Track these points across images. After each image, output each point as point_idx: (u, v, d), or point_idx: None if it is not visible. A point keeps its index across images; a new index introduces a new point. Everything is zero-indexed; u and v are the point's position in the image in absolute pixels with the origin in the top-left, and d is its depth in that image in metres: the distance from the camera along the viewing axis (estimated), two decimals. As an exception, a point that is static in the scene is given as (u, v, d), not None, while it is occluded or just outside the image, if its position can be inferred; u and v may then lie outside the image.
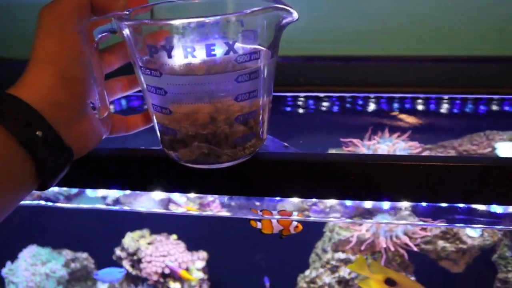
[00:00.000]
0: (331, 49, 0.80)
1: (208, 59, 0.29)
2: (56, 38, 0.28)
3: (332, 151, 0.70)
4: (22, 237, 0.82)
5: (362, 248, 0.68)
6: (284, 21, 0.31)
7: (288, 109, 0.71)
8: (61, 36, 0.28)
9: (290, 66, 0.71)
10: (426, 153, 0.64)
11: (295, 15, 0.31)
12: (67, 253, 0.81)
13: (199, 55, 0.28)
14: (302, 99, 0.70)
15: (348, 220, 0.63)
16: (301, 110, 0.74)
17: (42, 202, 0.69)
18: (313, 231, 0.66)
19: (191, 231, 0.72)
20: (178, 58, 0.29)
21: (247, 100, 0.31)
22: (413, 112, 0.70)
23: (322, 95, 0.60)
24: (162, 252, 0.70)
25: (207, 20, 0.27)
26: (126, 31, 0.30)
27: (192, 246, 0.76)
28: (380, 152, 0.65)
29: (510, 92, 0.61)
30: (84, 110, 0.30)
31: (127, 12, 0.31)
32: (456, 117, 0.68)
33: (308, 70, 0.67)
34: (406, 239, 0.61)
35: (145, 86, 0.31)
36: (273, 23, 0.30)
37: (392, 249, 0.67)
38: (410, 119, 0.70)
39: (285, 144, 0.39)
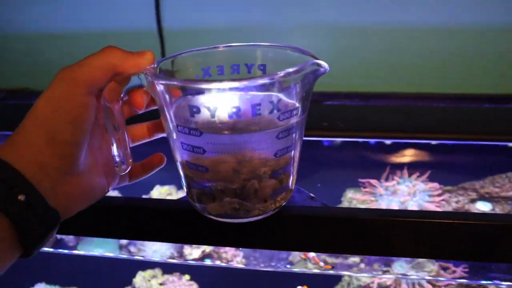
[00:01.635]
0: (348, 85, 0.82)
1: (252, 118, 0.29)
2: (55, 101, 0.28)
3: (350, 191, 0.71)
4: (31, 275, 0.82)
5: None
6: (318, 73, 0.31)
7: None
8: (62, 100, 0.28)
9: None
10: (446, 196, 0.63)
11: (327, 66, 0.31)
12: (76, 291, 0.80)
13: (244, 115, 0.29)
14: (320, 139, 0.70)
15: (365, 275, 0.62)
16: (318, 149, 0.74)
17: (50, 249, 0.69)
18: (331, 275, 0.65)
19: (204, 271, 0.72)
20: (222, 117, 0.29)
21: (284, 155, 0.32)
22: (432, 150, 0.70)
23: (343, 139, 0.60)
24: (175, 294, 0.69)
25: (254, 82, 0.28)
26: (161, 88, 0.30)
27: (206, 286, 0.75)
28: (399, 194, 0.65)
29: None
30: (74, 171, 0.29)
31: (154, 66, 0.32)
32: (477, 157, 0.68)
33: (328, 110, 0.68)
34: (429, 287, 0.60)
35: (179, 144, 0.32)
36: (309, 77, 0.31)
37: (415, 296, 0.66)
38: (430, 158, 0.71)
39: (311, 195, 0.39)
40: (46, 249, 0.75)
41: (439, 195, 0.64)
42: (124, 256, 0.70)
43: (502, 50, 0.75)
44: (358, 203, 0.67)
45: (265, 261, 0.67)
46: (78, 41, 0.94)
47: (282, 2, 0.81)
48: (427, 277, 0.61)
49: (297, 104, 0.31)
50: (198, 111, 0.29)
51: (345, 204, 0.69)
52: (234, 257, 0.70)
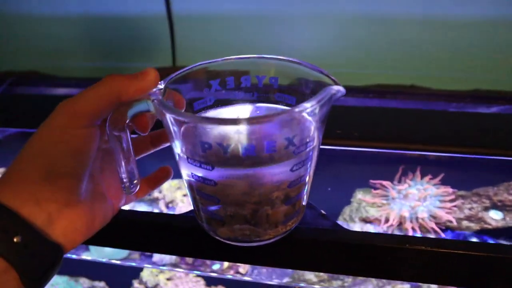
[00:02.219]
0: (360, 77, 0.80)
1: (266, 153, 0.28)
2: (55, 133, 0.28)
3: (359, 192, 0.70)
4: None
5: None
6: (335, 98, 0.30)
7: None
8: (62, 133, 0.28)
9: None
10: (459, 201, 0.62)
11: (343, 90, 0.30)
12: (84, 282, 0.82)
13: (258, 152, 0.28)
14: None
15: None
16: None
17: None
18: None
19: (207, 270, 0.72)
20: (235, 153, 0.28)
21: (298, 184, 0.31)
22: (446, 155, 0.69)
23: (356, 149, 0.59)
24: (182, 290, 0.70)
25: (270, 119, 0.26)
26: (168, 118, 0.29)
27: (211, 282, 0.76)
28: (410, 198, 0.64)
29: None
30: (74, 203, 0.28)
31: (161, 87, 0.31)
32: (493, 161, 0.67)
33: (343, 115, 0.66)
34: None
35: (190, 174, 0.31)
36: (327, 105, 0.29)
37: None
38: (444, 160, 0.69)
39: (322, 211, 0.39)
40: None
41: (451, 200, 0.63)
42: (132, 264, 0.71)
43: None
44: (368, 205, 0.66)
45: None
46: (88, 24, 0.92)
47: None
48: None
49: (313, 135, 0.30)
50: (210, 147, 0.28)
51: (354, 205, 0.69)
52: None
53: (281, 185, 0.30)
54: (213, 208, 0.32)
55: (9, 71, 0.96)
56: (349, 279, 0.67)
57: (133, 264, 0.71)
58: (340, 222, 0.68)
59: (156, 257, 0.71)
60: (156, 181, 0.37)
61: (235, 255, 0.37)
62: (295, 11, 0.80)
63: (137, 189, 0.33)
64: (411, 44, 0.76)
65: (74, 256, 0.72)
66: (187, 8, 0.86)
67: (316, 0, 0.78)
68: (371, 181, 0.67)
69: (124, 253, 0.74)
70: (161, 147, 0.37)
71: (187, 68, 0.34)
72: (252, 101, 0.35)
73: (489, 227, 0.60)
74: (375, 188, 0.67)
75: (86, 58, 0.98)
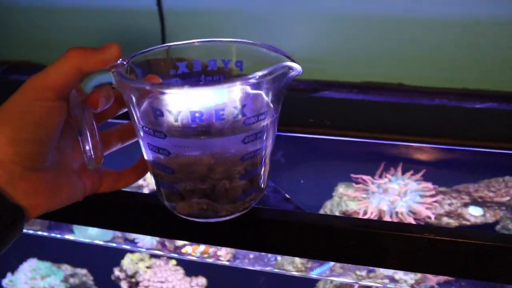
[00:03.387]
0: (347, 74, 0.80)
1: (216, 122, 0.29)
2: (23, 105, 0.29)
3: (341, 186, 0.70)
4: (23, 250, 0.85)
5: None
6: (289, 77, 0.31)
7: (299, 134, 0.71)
8: (30, 105, 0.29)
9: (302, 97, 0.71)
10: (439, 197, 0.63)
11: (300, 68, 0.31)
12: (67, 268, 0.83)
13: (208, 119, 0.29)
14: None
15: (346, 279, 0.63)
16: (312, 140, 0.74)
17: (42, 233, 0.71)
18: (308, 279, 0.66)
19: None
20: (185, 121, 0.29)
21: (252, 158, 0.32)
22: (429, 150, 0.69)
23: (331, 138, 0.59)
24: (160, 278, 0.71)
25: (217, 87, 0.28)
26: (126, 87, 0.30)
27: (191, 272, 0.76)
28: (390, 192, 0.64)
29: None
30: (37, 168, 0.30)
31: (124, 63, 0.31)
32: (475, 158, 0.67)
33: (320, 104, 0.67)
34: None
35: (146, 144, 0.32)
36: (279, 80, 0.31)
37: None
38: (426, 157, 0.70)
39: (287, 196, 0.39)
40: (39, 232, 0.77)
41: (431, 196, 0.63)
42: (113, 244, 0.72)
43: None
44: (349, 199, 0.67)
45: (249, 255, 0.68)
46: (78, 16, 0.93)
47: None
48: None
49: (265, 108, 0.31)
50: (162, 114, 0.29)
51: (335, 199, 0.69)
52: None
53: (234, 158, 0.30)
54: (169, 180, 0.33)
55: (3, 60, 0.97)
56: (327, 271, 0.67)
57: (114, 245, 0.72)
58: (320, 215, 0.69)
59: (140, 242, 0.72)
60: (142, 168, 0.37)
61: (195, 234, 0.37)
62: (284, 8, 0.81)
63: (96, 166, 0.34)
64: (400, 43, 0.77)
65: (58, 236, 0.73)
66: (178, 2, 0.87)
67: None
68: (352, 175, 0.68)
69: (107, 236, 0.75)
70: (130, 142, 0.38)
71: (155, 47, 0.35)
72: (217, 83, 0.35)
73: (468, 223, 0.60)
74: (357, 183, 0.68)
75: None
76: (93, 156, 0.34)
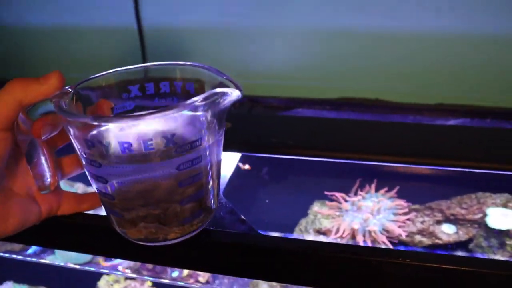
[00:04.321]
0: (324, 90, 0.81)
1: (146, 152, 0.29)
2: None
3: (317, 204, 0.70)
4: (0, 273, 0.84)
5: None
6: (227, 101, 0.31)
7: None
8: None
9: (273, 116, 0.72)
10: (412, 214, 0.63)
11: (239, 94, 0.31)
12: (43, 291, 0.82)
13: (137, 149, 0.29)
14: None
15: None
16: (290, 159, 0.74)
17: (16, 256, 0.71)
18: None
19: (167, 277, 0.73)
20: (116, 151, 0.29)
21: (191, 184, 0.32)
22: (404, 168, 0.69)
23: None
24: (135, 300, 0.70)
25: (142, 119, 0.28)
26: (63, 120, 0.30)
27: (168, 294, 0.76)
28: (363, 209, 0.64)
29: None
30: None
31: (70, 90, 0.32)
32: (448, 174, 0.67)
33: (291, 122, 0.67)
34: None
35: (87, 172, 0.32)
36: (216, 105, 0.31)
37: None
38: (401, 173, 0.70)
39: (242, 217, 0.40)
40: (14, 256, 0.77)
41: (404, 213, 0.63)
42: (87, 268, 0.72)
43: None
44: (323, 217, 0.67)
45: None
46: (58, 36, 0.95)
47: (265, 3, 0.81)
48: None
49: (201, 134, 0.31)
50: (93, 144, 0.30)
51: (310, 217, 0.69)
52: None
53: (171, 184, 0.31)
54: (114, 207, 0.33)
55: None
56: (301, 292, 0.67)
57: (92, 269, 0.71)
58: (296, 233, 0.69)
59: (117, 262, 0.72)
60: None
61: (149, 255, 0.37)
62: (264, 25, 0.82)
63: (53, 188, 0.34)
64: (376, 58, 0.78)
65: (34, 260, 0.72)
66: (158, 21, 0.88)
67: (285, 15, 0.80)
68: (326, 192, 0.68)
69: (87, 256, 0.75)
70: None
71: (103, 73, 0.35)
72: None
73: (440, 242, 0.60)
74: (331, 200, 0.68)
75: (60, 69, 1.01)
76: (45, 182, 0.34)
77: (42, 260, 0.74)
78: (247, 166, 0.63)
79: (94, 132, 0.29)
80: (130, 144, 0.28)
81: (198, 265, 0.37)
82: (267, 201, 0.69)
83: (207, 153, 0.32)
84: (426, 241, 0.61)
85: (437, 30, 0.73)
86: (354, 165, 0.72)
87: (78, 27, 0.94)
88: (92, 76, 0.35)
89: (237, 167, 0.60)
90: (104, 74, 0.35)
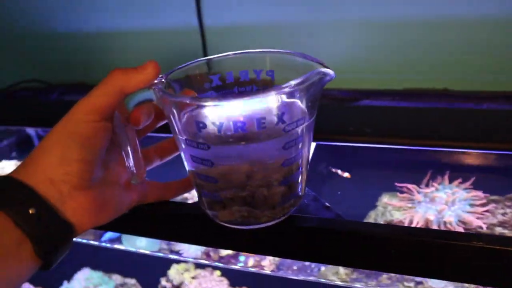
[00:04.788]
0: (388, 81, 0.80)
1: (257, 131, 0.30)
2: (71, 127, 0.32)
3: (386, 195, 0.69)
4: (78, 259, 0.90)
5: None
6: (323, 82, 0.32)
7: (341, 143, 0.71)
8: (77, 126, 0.31)
9: (342, 107, 0.71)
10: (491, 206, 0.60)
11: (333, 73, 0.32)
12: (117, 278, 0.87)
13: (250, 129, 0.30)
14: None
15: None
16: (354, 149, 0.73)
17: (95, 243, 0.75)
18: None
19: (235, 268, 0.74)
20: (228, 131, 0.31)
21: (292, 163, 0.33)
22: (478, 156, 0.66)
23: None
24: (205, 289, 0.73)
25: (255, 98, 0.29)
26: (168, 103, 0.32)
27: (235, 282, 0.78)
28: (437, 201, 0.62)
29: None
30: (85, 186, 0.32)
31: (163, 80, 0.33)
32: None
33: (360, 112, 0.66)
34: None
35: (189, 156, 0.34)
36: (314, 86, 0.32)
37: None
38: (475, 164, 0.67)
39: (327, 204, 0.40)
40: (92, 242, 0.82)
41: (482, 205, 0.61)
42: (160, 254, 0.75)
43: None
44: (394, 209, 0.66)
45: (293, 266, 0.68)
46: (125, 39, 1.00)
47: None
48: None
49: (302, 114, 0.32)
50: (205, 126, 0.31)
51: (379, 209, 0.68)
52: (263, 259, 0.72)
53: (275, 163, 0.32)
54: (211, 189, 0.34)
55: (60, 83, 1.05)
56: (372, 282, 0.66)
57: (160, 254, 0.74)
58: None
59: (185, 252, 0.74)
60: (190, 181, 0.39)
61: (237, 242, 0.39)
62: (320, 19, 0.82)
63: (140, 180, 0.36)
64: (440, 47, 0.75)
65: (109, 245, 0.76)
66: (219, 21, 0.91)
67: (342, 8, 0.79)
68: (397, 184, 0.67)
69: (154, 247, 0.78)
70: (168, 158, 0.40)
71: (189, 62, 0.37)
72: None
73: (524, 234, 0.57)
74: (402, 192, 0.66)
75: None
76: (135, 172, 0.36)
77: (116, 246, 0.77)
78: (346, 174, 0.63)
79: (205, 114, 0.31)
80: (244, 123, 0.29)
81: (287, 252, 0.38)
82: (339, 192, 0.69)
83: (305, 134, 0.32)
84: (509, 233, 0.58)
85: (503, 16, 0.69)
86: (423, 156, 0.70)
87: (142, 29, 0.98)
88: (179, 66, 0.36)
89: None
90: (189, 64, 0.37)
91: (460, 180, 0.65)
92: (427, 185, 0.66)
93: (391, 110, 0.69)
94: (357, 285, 0.66)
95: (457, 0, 0.71)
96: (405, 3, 0.74)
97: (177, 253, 0.76)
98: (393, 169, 0.73)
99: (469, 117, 0.67)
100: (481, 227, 0.58)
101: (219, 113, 0.31)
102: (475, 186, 0.64)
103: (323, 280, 0.66)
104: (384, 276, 0.66)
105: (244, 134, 0.30)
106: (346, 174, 0.61)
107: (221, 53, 0.37)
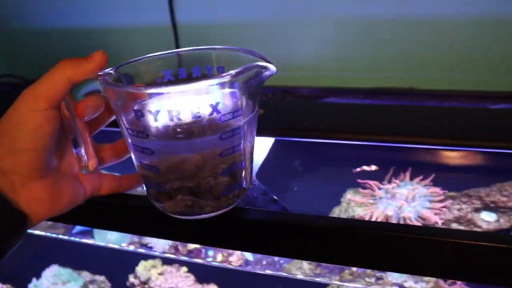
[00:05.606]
0: (356, 80, 0.81)
1: (193, 120, 0.31)
2: (19, 116, 0.31)
3: (350, 191, 0.70)
4: (46, 256, 0.89)
5: None
6: (263, 76, 0.33)
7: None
8: (24, 115, 0.31)
9: (305, 104, 0.72)
10: (448, 202, 0.61)
11: (274, 69, 0.33)
12: (86, 275, 0.87)
13: (185, 118, 0.31)
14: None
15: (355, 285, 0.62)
16: (321, 146, 0.74)
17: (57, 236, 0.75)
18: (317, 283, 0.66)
19: (202, 263, 0.75)
20: (164, 120, 0.31)
21: (231, 154, 0.33)
22: (440, 153, 0.68)
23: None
24: (171, 284, 0.73)
25: (191, 86, 0.30)
26: (111, 93, 0.33)
27: (202, 279, 0.78)
28: (398, 197, 0.63)
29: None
30: (35, 175, 0.32)
31: (112, 72, 0.34)
32: (487, 161, 0.65)
33: (323, 109, 0.67)
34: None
35: (132, 146, 0.34)
36: (253, 79, 0.33)
37: None
38: (438, 161, 0.69)
39: (275, 197, 0.40)
40: (61, 236, 0.82)
41: (440, 201, 0.62)
42: (128, 248, 0.75)
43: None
44: (356, 205, 0.67)
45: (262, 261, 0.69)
46: (99, 36, 1.00)
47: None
48: None
49: (240, 106, 0.32)
50: (142, 115, 0.31)
51: (343, 205, 0.69)
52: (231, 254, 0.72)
53: (213, 154, 0.32)
54: (155, 180, 0.35)
55: (36, 79, 1.04)
56: (336, 277, 0.67)
57: (129, 248, 0.74)
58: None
59: (154, 246, 0.74)
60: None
61: (184, 233, 0.39)
62: (287, 17, 0.83)
63: (93, 169, 0.37)
64: (408, 46, 0.77)
65: (78, 240, 0.76)
66: (191, 18, 0.91)
67: (314, 6, 0.80)
68: (359, 180, 0.68)
69: (125, 240, 0.78)
70: (125, 157, 0.40)
71: (141, 57, 0.37)
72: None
73: (479, 230, 0.58)
74: (365, 188, 0.68)
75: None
76: (86, 162, 0.36)
77: (84, 240, 0.77)
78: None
79: (142, 102, 0.31)
80: (178, 112, 0.30)
81: (232, 243, 0.38)
82: (295, 188, 0.70)
83: (245, 126, 0.33)
84: (464, 229, 0.60)
85: (472, 16, 0.71)
86: (388, 154, 0.71)
87: (112, 26, 0.98)
88: (130, 60, 0.37)
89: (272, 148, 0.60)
90: (141, 59, 0.37)
91: (421, 177, 0.66)
92: (389, 182, 0.67)
93: (356, 108, 0.70)
94: (320, 279, 0.67)
95: (424, 0, 0.73)
96: (375, 3, 0.76)
97: (146, 246, 0.76)
98: (360, 165, 0.74)
99: (433, 115, 0.69)
100: (437, 223, 0.60)
101: (156, 102, 0.31)
102: (435, 183, 0.66)
103: (285, 275, 0.66)
104: (347, 271, 0.67)
105: (180, 123, 0.31)
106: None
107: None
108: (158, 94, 0.30)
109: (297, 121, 0.61)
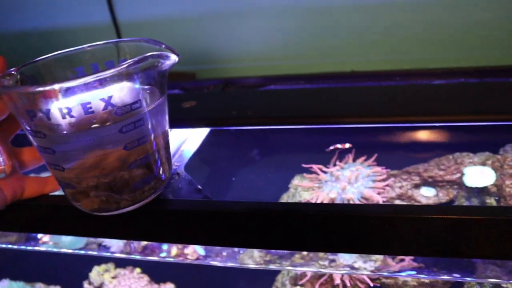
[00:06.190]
0: (296, 67, 0.81)
1: (88, 116, 0.30)
2: None
3: (297, 177, 0.70)
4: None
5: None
6: (164, 65, 0.32)
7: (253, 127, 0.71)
8: None
9: (246, 92, 0.72)
10: (390, 180, 0.62)
11: (175, 58, 0.32)
12: (40, 286, 0.84)
13: (77, 114, 0.30)
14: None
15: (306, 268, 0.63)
16: (269, 133, 0.74)
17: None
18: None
19: (156, 263, 0.74)
20: (57, 118, 0.30)
21: (137, 147, 0.32)
22: (381, 132, 0.69)
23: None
24: (124, 287, 0.71)
25: (79, 81, 0.29)
26: (6, 96, 0.31)
27: (158, 278, 0.77)
28: (341, 179, 0.64)
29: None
30: None
31: (13, 72, 0.33)
32: (426, 138, 0.67)
33: (263, 96, 0.67)
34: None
35: (36, 146, 0.33)
36: (153, 69, 0.31)
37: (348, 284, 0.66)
38: (378, 142, 0.70)
39: (199, 187, 0.40)
40: (10, 246, 0.78)
41: (382, 180, 0.63)
42: (80, 252, 0.73)
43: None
44: (303, 190, 0.67)
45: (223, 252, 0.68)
46: (41, 38, 0.96)
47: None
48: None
49: (139, 97, 0.31)
50: (35, 114, 0.30)
51: (291, 191, 0.69)
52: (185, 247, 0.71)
53: (116, 147, 0.31)
54: (63, 179, 0.34)
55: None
56: (286, 262, 0.67)
57: (81, 252, 0.72)
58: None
59: (111, 247, 0.73)
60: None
61: (104, 229, 0.38)
62: (231, 8, 0.82)
63: (9, 172, 0.35)
64: (348, 31, 0.77)
65: (29, 248, 0.73)
66: (132, 15, 0.89)
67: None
68: (303, 165, 0.68)
69: (80, 243, 0.76)
70: None
71: (46, 56, 0.36)
72: None
73: (419, 204, 0.60)
74: (310, 173, 0.68)
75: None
76: (2, 165, 0.35)
77: (37, 248, 0.74)
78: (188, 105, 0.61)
79: (34, 102, 0.30)
80: (69, 109, 0.29)
81: (152, 235, 0.37)
82: (233, 178, 0.70)
83: (149, 117, 0.32)
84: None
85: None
86: (332, 138, 0.72)
87: (53, 27, 0.95)
88: (32, 60, 0.35)
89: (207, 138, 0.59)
90: (48, 57, 0.36)
91: (364, 157, 0.67)
92: (334, 165, 0.68)
93: (297, 93, 0.70)
94: (272, 266, 0.66)
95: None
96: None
97: (104, 247, 0.74)
98: (306, 150, 0.74)
99: (373, 94, 0.70)
100: (379, 201, 0.61)
101: (46, 101, 0.30)
102: (379, 163, 0.67)
103: (237, 265, 0.66)
104: (297, 255, 0.67)
105: (73, 120, 0.30)
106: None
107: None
108: (42, 92, 0.29)
109: (237, 110, 0.61)
